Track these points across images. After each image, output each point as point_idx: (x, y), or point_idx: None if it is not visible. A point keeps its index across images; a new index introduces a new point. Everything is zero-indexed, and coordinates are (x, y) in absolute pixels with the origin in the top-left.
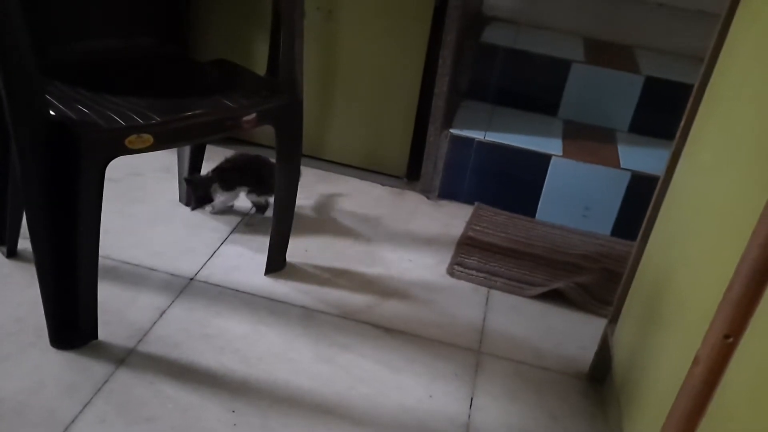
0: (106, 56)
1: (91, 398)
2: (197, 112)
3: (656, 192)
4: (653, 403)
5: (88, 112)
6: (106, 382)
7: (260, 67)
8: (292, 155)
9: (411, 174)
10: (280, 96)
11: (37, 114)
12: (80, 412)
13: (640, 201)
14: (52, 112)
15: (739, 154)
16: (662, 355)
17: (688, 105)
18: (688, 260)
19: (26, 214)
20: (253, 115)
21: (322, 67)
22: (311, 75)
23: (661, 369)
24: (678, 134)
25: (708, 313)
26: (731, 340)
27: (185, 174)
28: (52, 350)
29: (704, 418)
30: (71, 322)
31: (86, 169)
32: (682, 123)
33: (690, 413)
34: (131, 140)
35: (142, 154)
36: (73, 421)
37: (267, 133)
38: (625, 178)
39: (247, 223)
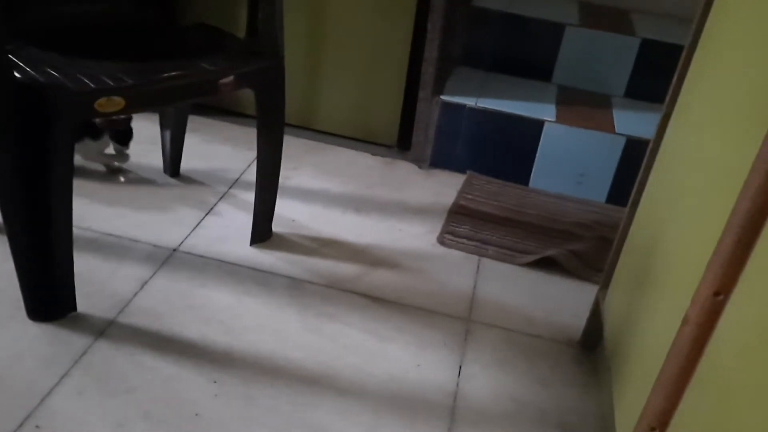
0: (84, 21)
1: (69, 370)
2: (172, 74)
3: (647, 155)
4: (643, 367)
5: (58, 75)
6: (84, 353)
7: (243, 32)
8: (274, 121)
9: (402, 143)
10: (260, 58)
11: (1, 76)
12: (57, 383)
13: (636, 167)
14: (17, 75)
15: (728, 110)
16: (652, 318)
17: (678, 66)
18: (678, 220)
19: None
20: (231, 78)
21: (309, 35)
22: (298, 43)
23: (651, 332)
24: (668, 96)
25: (698, 271)
26: (721, 297)
27: (168, 148)
28: (30, 322)
29: (694, 378)
30: (48, 294)
31: (55, 132)
32: (672, 84)
33: (679, 374)
34: (101, 103)
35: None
36: (49, 393)
37: (252, 102)
38: (620, 144)
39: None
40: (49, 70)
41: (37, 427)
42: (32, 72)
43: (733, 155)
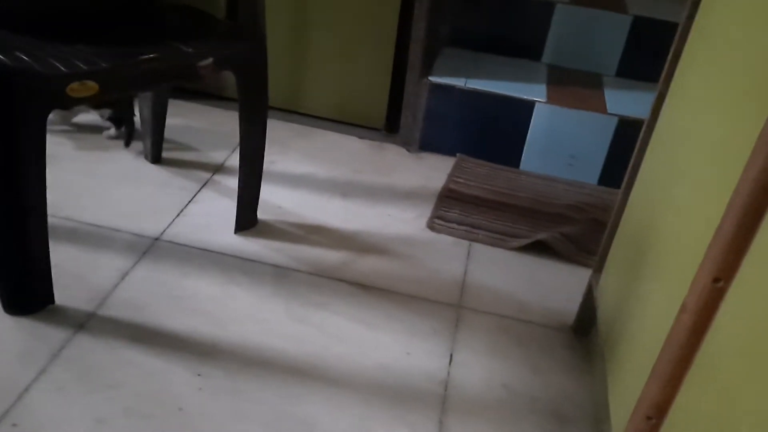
0: (57, 2)
1: (47, 365)
2: (148, 57)
3: (641, 136)
4: (638, 354)
5: (28, 59)
6: (63, 348)
7: (223, 13)
8: (257, 105)
9: (390, 126)
10: (240, 40)
11: None
12: (35, 379)
13: (628, 148)
14: None
15: (727, 89)
16: (647, 303)
17: (674, 44)
18: (675, 202)
19: None
20: (210, 60)
21: (293, 15)
22: (281, 24)
23: (647, 318)
24: (663, 74)
25: (697, 256)
26: (721, 284)
27: (148, 134)
28: (6, 316)
29: (691, 368)
30: (25, 287)
31: (25, 120)
32: (668, 62)
33: (677, 363)
34: (73, 88)
35: None
36: (27, 389)
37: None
38: (612, 124)
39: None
40: (18, 54)
41: (14, 425)
42: (0, 56)
43: (733, 135)
